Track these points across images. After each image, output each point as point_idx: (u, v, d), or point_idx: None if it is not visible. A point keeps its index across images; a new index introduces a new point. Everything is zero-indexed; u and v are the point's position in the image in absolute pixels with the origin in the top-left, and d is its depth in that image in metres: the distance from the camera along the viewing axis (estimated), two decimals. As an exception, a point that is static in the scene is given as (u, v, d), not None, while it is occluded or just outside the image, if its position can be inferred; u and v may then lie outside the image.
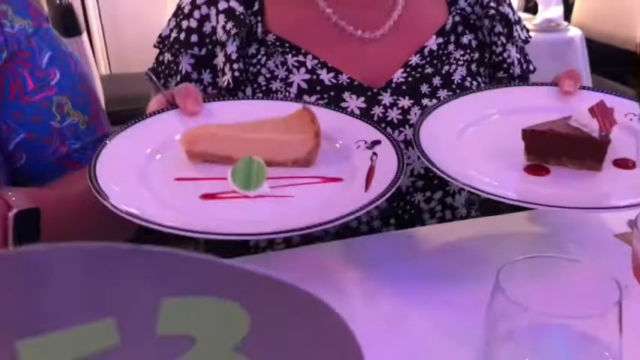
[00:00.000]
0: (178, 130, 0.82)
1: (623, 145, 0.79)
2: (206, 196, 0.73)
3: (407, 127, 0.96)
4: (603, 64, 2.60)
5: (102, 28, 3.45)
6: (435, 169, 0.74)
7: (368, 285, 0.75)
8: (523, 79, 1.09)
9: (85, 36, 2.31)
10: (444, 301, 0.71)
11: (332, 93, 0.96)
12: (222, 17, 0.98)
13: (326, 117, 0.83)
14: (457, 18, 1.04)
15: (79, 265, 0.24)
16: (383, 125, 0.94)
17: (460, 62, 1.02)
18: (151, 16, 3.28)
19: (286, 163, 0.80)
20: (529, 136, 0.78)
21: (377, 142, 0.82)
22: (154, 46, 1.03)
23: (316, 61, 0.97)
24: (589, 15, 3.00)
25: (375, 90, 0.98)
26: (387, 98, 0.97)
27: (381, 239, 0.89)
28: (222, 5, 0.99)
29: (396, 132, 0.95)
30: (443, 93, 0.98)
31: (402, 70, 0.99)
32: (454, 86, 1.00)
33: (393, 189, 0.71)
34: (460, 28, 1.04)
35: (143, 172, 0.76)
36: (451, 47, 1.02)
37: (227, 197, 0.73)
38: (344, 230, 0.94)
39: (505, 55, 1.07)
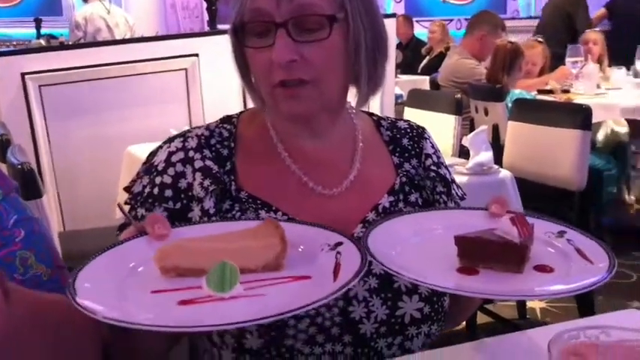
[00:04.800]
0: (150, 253, 0.87)
1: (544, 256, 0.95)
2: (183, 302, 0.79)
3: (370, 277, 1.05)
4: (534, 201, 2.81)
5: (56, 188, 3.54)
6: (385, 268, 0.86)
7: None
8: None
9: (45, 198, 2.41)
10: None
11: None
12: (198, 175, 1.09)
13: (290, 228, 0.91)
14: (404, 179, 1.20)
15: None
16: None
17: None
18: (106, 176, 3.38)
19: (257, 269, 0.85)
20: (461, 242, 0.92)
21: (340, 244, 0.91)
22: (126, 203, 1.12)
23: (285, 217, 1.07)
24: (518, 157, 3.25)
25: None
26: None
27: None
28: (198, 164, 1.10)
29: (361, 282, 1.04)
30: None
31: (362, 225, 1.10)
32: None
33: (359, 277, 0.81)
34: (407, 188, 1.19)
35: (121, 290, 0.81)
36: (401, 205, 1.15)
37: (203, 301, 0.79)
38: None
39: None
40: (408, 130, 1.27)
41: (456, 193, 1.26)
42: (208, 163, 1.10)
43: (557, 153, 3.08)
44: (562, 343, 0.73)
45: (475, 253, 0.92)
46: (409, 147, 1.24)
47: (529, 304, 3.16)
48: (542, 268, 0.92)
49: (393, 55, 3.27)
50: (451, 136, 3.34)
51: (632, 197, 4.66)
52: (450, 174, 1.27)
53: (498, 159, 3.06)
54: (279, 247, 0.87)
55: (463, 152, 3.12)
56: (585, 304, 2.75)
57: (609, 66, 5.20)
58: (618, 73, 4.92)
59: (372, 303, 1.05)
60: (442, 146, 1.38)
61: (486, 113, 4.07)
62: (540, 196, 3.05)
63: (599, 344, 0.74)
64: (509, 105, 3.85)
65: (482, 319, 2.75)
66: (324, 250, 0.90)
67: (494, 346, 1.04)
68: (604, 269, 0.89)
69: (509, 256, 0.90)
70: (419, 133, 1.27)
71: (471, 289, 0.88)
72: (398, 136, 1.25)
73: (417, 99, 3.92)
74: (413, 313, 1.07)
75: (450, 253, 0.93)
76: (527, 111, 3.37)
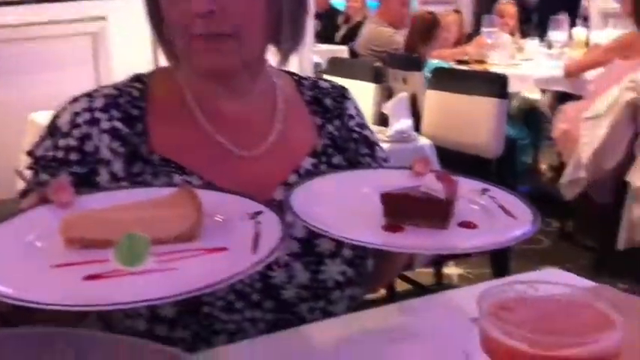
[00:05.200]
0: (53, 223, 0.81)
1: (468, 213, 0.95)
2: (90, 277, 0.73)
3: (290, 240, 1.02)
4: (453, 168, 2.84)
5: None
6: (310, 226, 0.85)
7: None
8: None
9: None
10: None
11: None
12: (106, 136, 1.03)
13: (207, 195, 0.86)
14: (327, 141, 1.16)
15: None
16: None
17: None
18: (7, 145, 3.21)
19: (169, 239, 0.80)
20: (387, 199, 0.92)
21: (259, 213, 0.87)
22: (29, 168, 1.04)
23: (201, 181, 1.03)
24: (437, 126, 3.30)
25: None
26: None
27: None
28: (105, 125, 1.04)
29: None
30: None
31: (282, 188, 1.07)
32: None
33: (277, 252, 0.76)
34: (330, 150, 1.16)
35: (19, 264, 0.75)
36: (323, 167, 1.14)
37: (111, 276, 0.73)
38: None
39: None
40: (330, 90, 1.24)
41: (380, 156, 1.24)
42: (117, 124, 1.05)
43: (475, 121, 3.14)
44: (491, 297, 0.71)
45: (401, 210, 0.91)
46: (331, 108, 1.21)
47: (446, 270, 3.23)
48: (466, 224, 0.92)
49: (312, 12, 3.25)
50: (370, 105, 3.35)
51: (544, 166, 4.84)
52: (373, 135, 1.25)
53: (417, 128, 3.09)
54: (194, 216, 0.82)
55: (382, 121, 3.13)
56: (500, 269, 2.83)
57: (523, 37, 5.34)
58: (532, 44, 5.07)
59: (294, 267, 1.03)
60: (361, 114, 1.36)
61: (405, 82, 4.10)
62: (459, 164, 3.09)
63: (527, 298, 0.73)
64: (428, 75, 3.89)
65: (401, 286, 2.78)
66: (243, 219, 0.86)
67: (417, 307, 1.04)
68: (528, 223, 0.89)
69: (434, 212, 0.91)
70: (341, 94, 1.24)
71: (397, 245, 0.89)
72: (320, 96, 1.22)
73: (336, 67, 3.91)
74: (336, 277, 1.05)
75: (375, 212, 0.92)
76: (446, 80, 3.42)
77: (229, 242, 0.81)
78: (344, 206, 0.95)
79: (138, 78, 1.14)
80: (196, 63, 1.04)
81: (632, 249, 3.31)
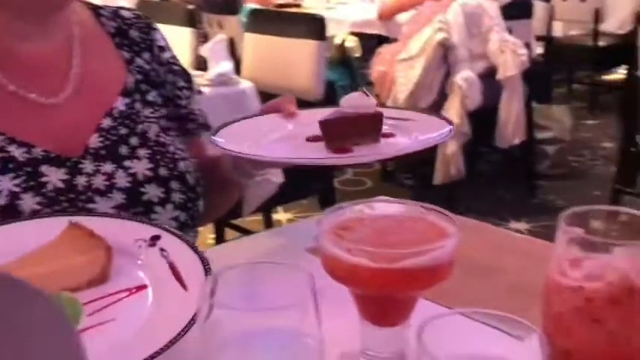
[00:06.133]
0: None
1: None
2: None
3: (114, 192, 0.97)
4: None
5: None
6: (276, 160, 0.99)
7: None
8: (207, 128, 1.18)
9: None
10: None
11: (28, 169, 0.93)
12: None
13: (91, 225, 0.82)
14: (138, 76, 1.09)
15: None
16: (89, 194, 0.94)
17: (151, 119, 1.07)
18: None
19: (80, 286, 0.76)
20: (326, 125, 0.98)
21: (157, 237, 0.83)
22: None
23: (2, 137, 0.93)
24: (257, 69, 3.28)
25: (74, 159, 0.97)
26: (88, 166, 0.98)
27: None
28: None
29: (104, 198, 0.96)
30: (143, 152, 1.02)
31: (97, 134, 1.01)
32: (151, 143, 1.04)
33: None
34: (144, 87, 1.10)
35: None
36: (138, 106, 1.07)
37: None
38: None
39: (190, 107, 1.15)
40: (135, 21, 1.15)
41: (195, 88, 1.22)
42: None
43: (295, 64, 3.16)
44: (330, 219, 0.72)
45: (339, 133, 0.97)
46: (139, 39, 1.14)
47: (275, 216, 3.27)
48: (387, 135, 1.00)
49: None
50: (187, 50, 3.25)
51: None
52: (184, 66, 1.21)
53: (237, 72, 3.05)
54: (105, 257, 0.79)
55: (201, 66, 3.06)
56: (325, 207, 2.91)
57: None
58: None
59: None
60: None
61: (221, 27, 4.03)
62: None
63: (365, 217, 0.74)
64: (244, 19, 3.85)
65: (231, 235, 2.77)
66: (142, 247, 0.82)
67: (246, 246, 1.07)
68: (445, 127, 0.99)
69: (369, 127, 0.98)
70: (147, 24, 1.17)
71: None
72: (124, 27, 1.13)
73: (147, 11, 3.71)
74: (168, 223, 1.01)
75: (312, 144, 0.99)
76: (264, 22, 3.40)
77: (144, 278, 0.78)
78: (278, 142, 1.02)
79: None
80: None
81: (446, 184, 3.56)
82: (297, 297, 0.54)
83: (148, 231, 0.84)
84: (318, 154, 0.97)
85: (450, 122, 1.02)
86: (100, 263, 0.79)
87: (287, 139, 1.03)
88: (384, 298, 0.69)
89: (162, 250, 0.81)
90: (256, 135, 1.03)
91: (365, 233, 0.71)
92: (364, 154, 0.97)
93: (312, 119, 1.02)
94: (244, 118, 1.09)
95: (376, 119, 0.98)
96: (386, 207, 0.78)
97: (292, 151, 0.99)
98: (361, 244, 0.66)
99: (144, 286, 0.77)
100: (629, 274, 0.52)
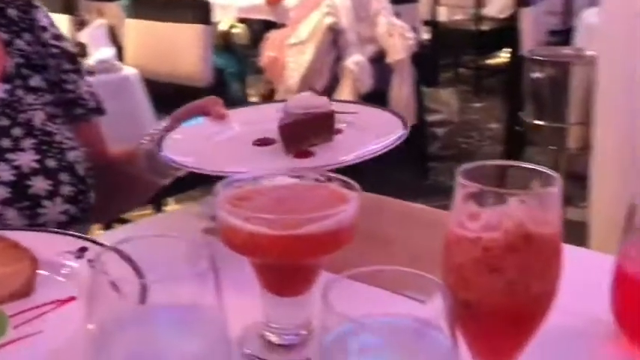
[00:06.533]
0: None
1: None
2: None
3: (2, 185, 0.94)
4: (165, 100, 2.80)
5: None
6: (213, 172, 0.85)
7: None
8: (100, 112, 1.13)
9: None
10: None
11: None
12: None
13: (16, 238, 0.81)
14: (19, 60, 1.02)
15: None
16: None
17: (35, 107, 1.01)
18: None
19: (2, 299, 0.74)
20: (285, 130, 0.95)
21: (84, 249, 0.81)
22: None
23: None
24: (141, 56, 3.20)
25: None
26: None
27: None
28: None
29: None
30: (28, 143, 0.96)
31: None
32: (37, 133, 0.98)
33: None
34: (25, 71, 1.04)
35: None
36: (21, 92, 1.02)
37: None
38: None
39: (78, 91, 1.09)
40: None
41: (84, 70, 1.15)
42: None
43: (180, 50, 3.10)
44: (228, 190, 0.70)
45: (296, 136, 0.95)
46: (17, 19, 1.07)
47: (167, 209, 3.21)
48: (337, 132, 0.98)
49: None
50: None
51: (254, 94, 4.97)
52: (73, 47, 1.15)
53: (120, 59, 2.96)
54: (29, 269, 0.77)
55: (80, 53, 2.94)
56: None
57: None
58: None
59: (6, 215, 0.94)
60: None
61: (100, 14, 3.89)
62: (171, 96, 3.06)
63: (263, 188, 0.73)
64: (125, 3, 3.74)
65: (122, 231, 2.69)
66: (69, 260, 0.81)
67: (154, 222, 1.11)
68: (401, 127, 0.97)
69: (323, 127, 0.96)
70: (28, 1, 1.10)
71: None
72: (1, 5, 1.06)
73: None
74: (58, 218, 0.98)
75: (265, 149, 0.97)
76: (146, 8, 3.32)
77: (73, 290, 0.76)
78: (225, 147, 0.98)
79: None
80: None
81: (340, 168, 3.60)
82: (195, 269, 0.52)
83: (75, 243, 0.83)
84: (282, 163, 0.92)
85: (397, 115, 1.01)
86: (24, 275, 0.77)
87: (236, 147, 0.98)
88: (285, 267, 0.68)
89: (90, 260, 0.80)
90: (202, 146, 0.97)
91: (263, 202, 0.69)
92: (327, 162, 0.91)
93: (245, 120, 1.02)
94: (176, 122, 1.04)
95: (330, 118, 0.97)
96: (285, 179, 0.77)
97: (252, 161, 0.94)
98: (259, 212, 0.65)
99: (72, 298, 0.76)
100: (524, 221, 0.53)
